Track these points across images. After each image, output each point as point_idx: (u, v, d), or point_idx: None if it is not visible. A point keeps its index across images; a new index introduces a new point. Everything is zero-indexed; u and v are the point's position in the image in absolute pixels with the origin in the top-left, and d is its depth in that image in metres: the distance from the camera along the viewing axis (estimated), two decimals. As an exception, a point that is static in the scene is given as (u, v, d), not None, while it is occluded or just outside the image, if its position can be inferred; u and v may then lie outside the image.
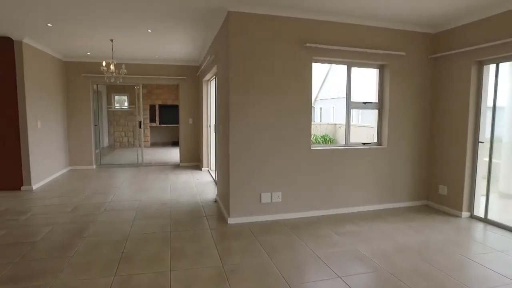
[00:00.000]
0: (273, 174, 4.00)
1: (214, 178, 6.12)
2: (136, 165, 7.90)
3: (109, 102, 11.56)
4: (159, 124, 12.39)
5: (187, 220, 4.03)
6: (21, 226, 3.75)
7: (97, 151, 7.99)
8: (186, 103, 7.90)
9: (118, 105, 11.87)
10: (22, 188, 5.40)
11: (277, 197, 4.04)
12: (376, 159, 4.42)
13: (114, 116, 11.84)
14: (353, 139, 4.51)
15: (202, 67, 6.56)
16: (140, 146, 7.95)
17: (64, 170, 7.04)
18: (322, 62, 4.27)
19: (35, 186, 5.53)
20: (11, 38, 5.15)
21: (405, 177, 4.58)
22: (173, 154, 8.59)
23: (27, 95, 5.33)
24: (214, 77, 5.72)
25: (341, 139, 5.70)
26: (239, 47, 3.75)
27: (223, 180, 4.34)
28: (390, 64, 4.35)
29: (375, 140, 4.59)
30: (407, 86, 4.45)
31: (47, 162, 6.09)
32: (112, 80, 5.43)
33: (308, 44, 3.90)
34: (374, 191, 4.45)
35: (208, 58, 5.45)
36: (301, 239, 3.42)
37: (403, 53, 4.31)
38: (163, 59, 7.36)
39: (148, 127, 12.30)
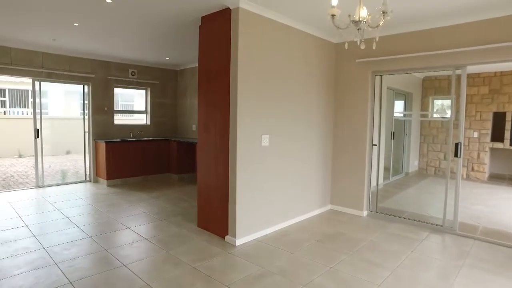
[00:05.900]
0: None
1: None
2: (440, 228, 4.03)
3: (425, 107, 8.01)
4: (510, 145, 7.19)
5: None
6: None
7: (379, 185, 4.91)
8: None
9: (437, 113, 8.04)
10: (226, 238, 3.49)
11: None
12: None
13: (431, 129, 8.12)
14: None
15: None
16: (450, 185, 3.98)
17: (320, 211, 4.61)
18: None
19: (242, 240, 3.44)
20: (229, 8, 3.33)
21: None
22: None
23: (240, 96, 3.32)
24: None
25: None
26: None
27: None
28: None
29: None
30: None
31: (275, 200, 3.89)
32: (359, 42, 2.20)
33: None
34: None
35: None
36: None
37: None
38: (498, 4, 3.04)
39: (487, 149, 7.45)
